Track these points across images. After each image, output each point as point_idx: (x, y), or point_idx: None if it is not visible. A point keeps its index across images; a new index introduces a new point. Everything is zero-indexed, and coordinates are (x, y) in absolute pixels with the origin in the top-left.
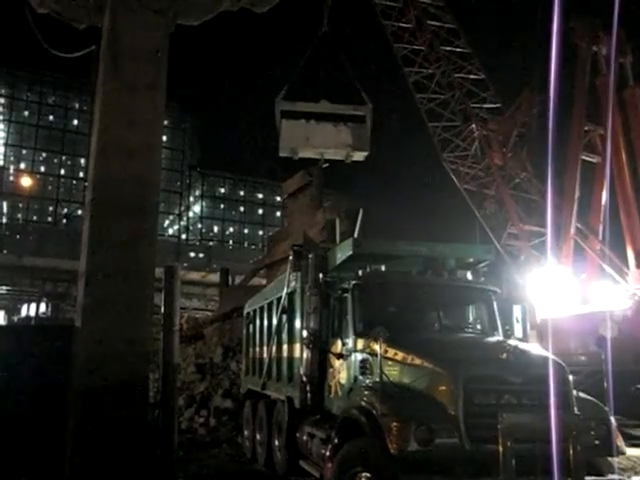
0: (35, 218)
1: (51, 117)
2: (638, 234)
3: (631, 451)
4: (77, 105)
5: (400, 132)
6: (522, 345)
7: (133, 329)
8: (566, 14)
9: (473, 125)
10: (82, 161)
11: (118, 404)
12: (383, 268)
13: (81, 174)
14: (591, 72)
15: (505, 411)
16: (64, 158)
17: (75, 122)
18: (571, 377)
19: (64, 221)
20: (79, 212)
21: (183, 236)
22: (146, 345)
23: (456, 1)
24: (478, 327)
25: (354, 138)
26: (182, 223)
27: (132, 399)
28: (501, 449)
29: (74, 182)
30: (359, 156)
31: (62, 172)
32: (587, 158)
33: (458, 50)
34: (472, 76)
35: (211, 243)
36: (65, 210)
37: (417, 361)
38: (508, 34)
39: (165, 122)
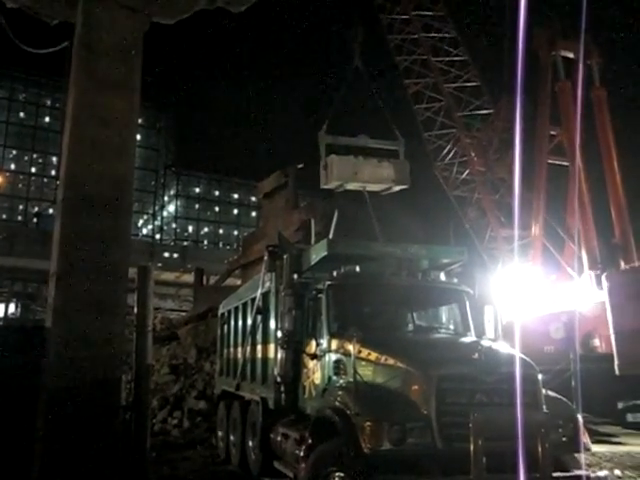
0: (5, 217)
1: (22, 114)
2: (593, 237)
3: (597, 447)
4: (49, 102)
5: (375, 136)
6: (494, 345)
7: (105, 330)
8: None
9: (458, 133)
10: (54, 159)
11: (89, 406)
12: (357, 269)
13: (53, 172)
14: (554, 77)
15: (477, 410)
16: (35, 156)
17: (47, 119)
18: (540, 376)
19: (34, 220)
20: (50, 211)
21: (157, 236)
22: (119, 346)
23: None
24: (451, 327)
25: (396, 173)
26: (156, 223)
27: (104, 401)
28: (472, 447)
29: (45, 180)
30: (397, 189)
31: (33, 170)
32: (557, 162)
33: (457, 59)
34: (468, 84)
35: (186, 243)
36: (36, 209)
37: (390, 361)
38: (496, 36)
39: (140, 121)
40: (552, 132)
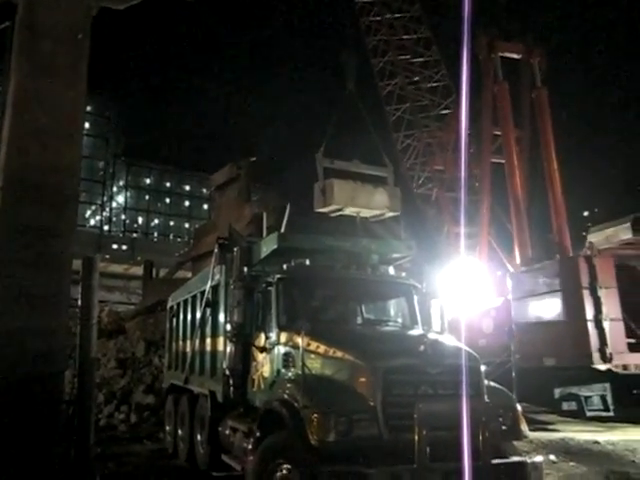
0: None
1: None
2: (525, 233)
3: (534, 434)
4: None
5: (333, 134)
6: (439, 338)
7: (47, 322)
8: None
9: (421, 133)
10: None
11: (29, 401)
12: (307, 262)
13: None
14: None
15: (421, 401)
16: None
17: None
18: (483, 368)
19: None
20: None
21: (105, 227)
22: (61, 339)
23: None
24: (399, 320)
25: (390, 199)
26: (105, 214)
27: (44, 395)
28: (417, 437)
29: None
30: (389, 215)
31: None
32: (501, 161)
33: (429, 59)
34: (439, 83)
35: (135, 235)
36: None
37: (338, 354)
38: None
39: (88, 108)
40: (496, 132)
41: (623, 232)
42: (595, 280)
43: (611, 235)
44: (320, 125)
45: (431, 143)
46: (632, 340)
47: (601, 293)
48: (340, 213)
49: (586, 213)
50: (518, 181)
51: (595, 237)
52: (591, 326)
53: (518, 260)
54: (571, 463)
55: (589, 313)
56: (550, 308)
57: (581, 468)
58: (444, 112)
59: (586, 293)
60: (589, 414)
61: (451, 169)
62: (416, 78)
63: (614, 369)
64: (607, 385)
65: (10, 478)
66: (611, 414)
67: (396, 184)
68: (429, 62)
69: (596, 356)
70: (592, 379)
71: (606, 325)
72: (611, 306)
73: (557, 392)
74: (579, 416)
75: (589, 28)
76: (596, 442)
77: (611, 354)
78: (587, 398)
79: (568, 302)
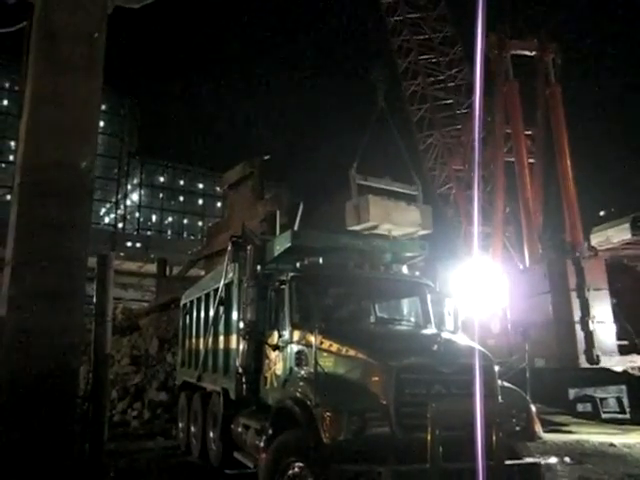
0: None
1: None
2: (536, 235)
3: (549, 436)
4: (7, 84)
5: (343, 133)
6: (453, 337)
7: (62, 319)
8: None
9: (442, 133)
10: (12, 144)
11: (44, 396)
12: (321, 261)
13: (11, 157)
14: (506, 77)
15: (434, 400)
16: None
17: (5, 102)
18: (496, 368)
19: None
20: (8, 197)
21: (120, 225)
22: (75, 336)
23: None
24: (412, 319)
25: (422, 217)
26: (119, 212)
27: (60, 392)
28: (429, 437)
29: (3, 165)
30: (422, 233)
31: None
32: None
33: (455, 57)
34: (462, 82)
35: (149, 233)
36: None
37: (351, 352)
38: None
39: (103, 107)
40: (509, 131)
41: (623, 232)
42: (583, 282)
43: (612, 235)
44: (330, 125)
45: (451, 143)
46: (625, 342)
47: (590, 295)
48: (373, 231)
49: (602, 212)
50: (528, 180)
51: (597, 238)
52: (578, 328)
53: (527, 260)
54: (586, 465)
55: (576, 315)
56: (540, 309)
57: (596, 471)
58: (465, 111)
59: (574, 295)
60: (604, 416)
61: (469, 168)
62: (440, 77)
63: (630, 371)
64: (623, 387)
65: (26, 472)
66: (627, 416)
67: (425, 202)
68: (453, 61)
69: (582, 358)
70: (608, 381)
71: (594, 327)
72: (601, 308)
73: (572, 393)
74: (594, 418)
75: (606, 23)
76: (612, 445)
77: (598, 356)
78: (603, 400)
79: (556, 304)
